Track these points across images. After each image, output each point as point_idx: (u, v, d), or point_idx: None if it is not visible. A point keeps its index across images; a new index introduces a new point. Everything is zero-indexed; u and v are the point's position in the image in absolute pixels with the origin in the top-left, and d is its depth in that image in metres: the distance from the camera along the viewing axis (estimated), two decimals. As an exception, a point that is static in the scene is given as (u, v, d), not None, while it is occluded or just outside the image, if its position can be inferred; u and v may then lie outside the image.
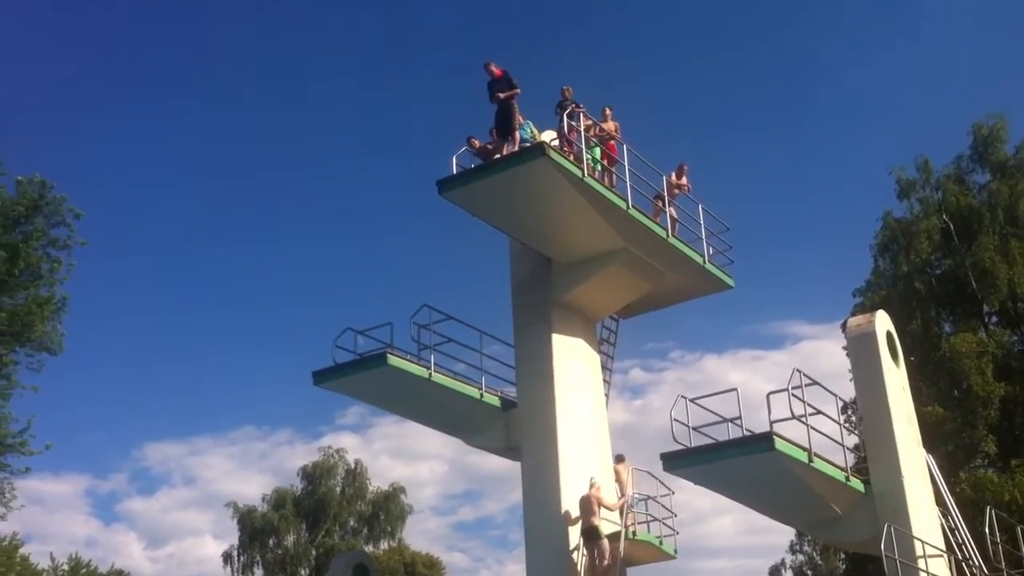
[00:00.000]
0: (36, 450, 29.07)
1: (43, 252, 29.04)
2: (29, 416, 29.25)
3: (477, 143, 19.75)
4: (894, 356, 18.28)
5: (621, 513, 19.12)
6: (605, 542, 18.27)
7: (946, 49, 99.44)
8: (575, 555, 18.57)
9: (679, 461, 16.00)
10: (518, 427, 20.20)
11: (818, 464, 16.18)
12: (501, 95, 19.16)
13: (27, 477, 30.50)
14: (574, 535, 18.54)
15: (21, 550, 48.44)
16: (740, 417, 16.10)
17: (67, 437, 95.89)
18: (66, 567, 54.58)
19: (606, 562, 18.07)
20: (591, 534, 18.23)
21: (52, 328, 29.19)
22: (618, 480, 19.98)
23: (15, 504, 29.68)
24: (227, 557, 59.80)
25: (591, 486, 18.61)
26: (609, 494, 19.26)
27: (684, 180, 21.69)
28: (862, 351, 17.99)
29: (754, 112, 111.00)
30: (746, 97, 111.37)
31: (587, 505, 18.42)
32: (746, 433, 15.87)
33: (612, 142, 20.60)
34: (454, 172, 18.58)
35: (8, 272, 27.79)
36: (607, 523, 18.84)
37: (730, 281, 22.09)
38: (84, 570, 55.34)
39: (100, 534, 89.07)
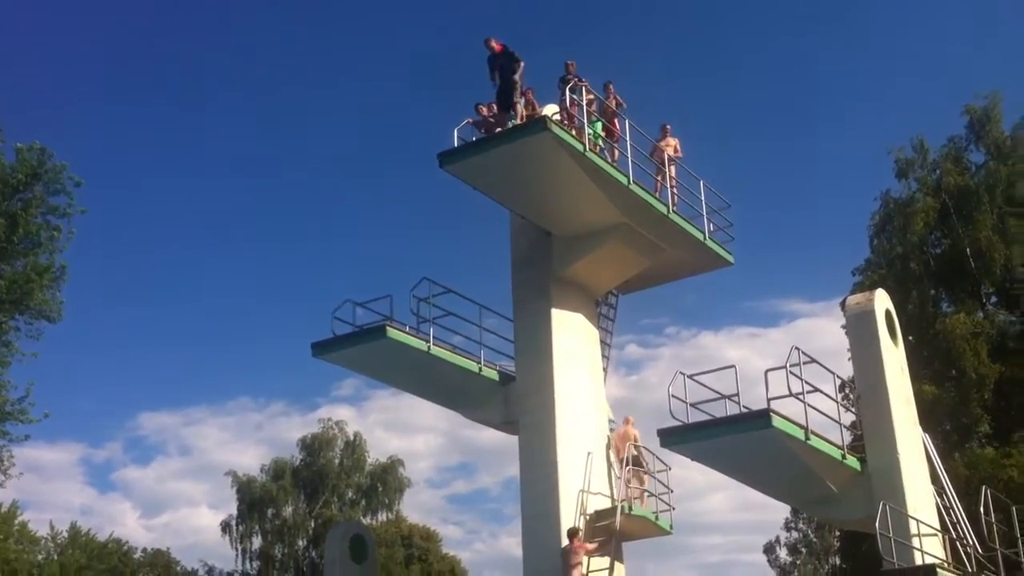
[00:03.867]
0: (35, 418, 29.15)
1: (43, 220, 28.97)
2: (28, 384, 29.33)
3: (484, 110, 19.65)
4: (893, 335, 18.29)
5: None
6: (643, 461, 19.97)
7: (943, 28, 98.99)
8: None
9: (676, 437, 16.04)
10: (516, 401, 20.23)
11: (815, 442, 16.23)
12: (507, 69, 19.04)
13: (24, 445, 30.58)
14: (570, 508, 18.61)
15: (19, 517, 48.73)
16: (738, 394, 16.13)
17: (62, 405, 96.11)
18: (65, 535, 54.88)
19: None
20: (635, 462, 19.80)
21: (51, 296, 29.19)
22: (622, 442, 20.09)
23: (13, 472, 29.77)
24: (225, 526, 60.02)
25: (626, 422, 20.37)
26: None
27: (671, 141, 21.57)
28: (861, 330, 18.00)
29: (755, 93, 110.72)
30: (746, 79, 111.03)
31: (625, 437, 20.02)
32: (743, 410, 15.92)
33: (615, 118, 20.54)
34: (455, 145, 18.54)
35: (7, 240, 27.75)
36: (602, 497, 19.11)
37: (730, 258, 22.05)
38: (83, 538, 55.64)
39: (95, 503, 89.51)
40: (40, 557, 51.56)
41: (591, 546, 18.21)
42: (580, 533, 18.20)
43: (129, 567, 58.82)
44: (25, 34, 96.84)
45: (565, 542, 17.96)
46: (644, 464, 20.06)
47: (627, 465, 19.68)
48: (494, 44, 19.20)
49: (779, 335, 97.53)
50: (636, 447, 20.02)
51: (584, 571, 17.79)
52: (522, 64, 19.09)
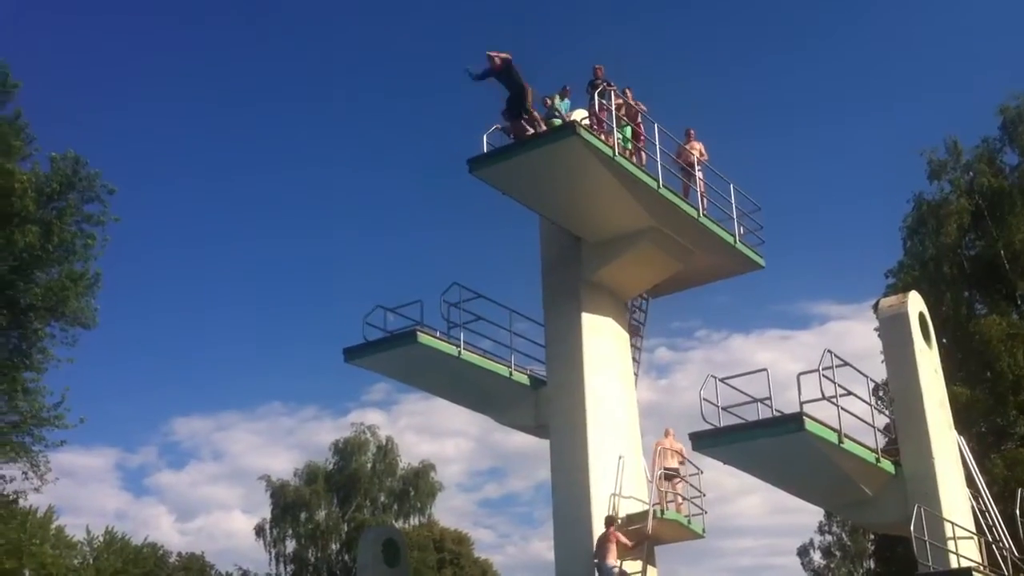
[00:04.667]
0: (70, 424, 29.41)
1: (77, 228, 29.28)
2: (63, 390, 29.60)
3: None
4: (926, 337, 18.17)
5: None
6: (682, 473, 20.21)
7: (978, 25, 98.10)
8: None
9: (709, 441, 16.04)
10: (547, 405, 20.24)
11: (848, 445, 16.16)
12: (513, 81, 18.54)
13: (59, 450, 30.83)
14: (602, 512, 18.59)
15: (56, 522, 49.22)
16: (770, 397, 16.10)
17: (96, 410, 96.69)
18: (101, 539, 55.37)
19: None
20: (672, 473, 20.16)
21: (86, 303, 29.48)
22: (658, 456, 20.03)
23: (49, 477, 29.98)
24: (259, 530, 60.35)
25: (666, 434, 20.39)
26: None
27: (697, 145, 21.50)
28: (894, 332, 17.91)
29: (782, 95, 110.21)
30: (772, 79, 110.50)
31: (664, 455, 20.04)
32: (776, 414, 15.87)
33: (640, 121, 20.52)
34: (484, 151, 18.60)
35: (42, 247, 28.05)
36: (635, 501, 19.11)
37: (761, 261, 21.96)
38: (119, 543, 56.12)
39: (130, 507, 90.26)
40: (76, 561, 52.01)
41: (626, 540, 18.20)
42: (617, 521, 18.25)
43: (164, 571, 59.30)
44: (49, 40, 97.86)
45: (601, 530, 18.05)
46: (682, 474, 20.22)
47: (659, 470, 19.68)
48: (496, 60, 18.52)
49: (810, 338, 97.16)
50: (677, 457, 20.16)
51: (616, 558, 17.80)
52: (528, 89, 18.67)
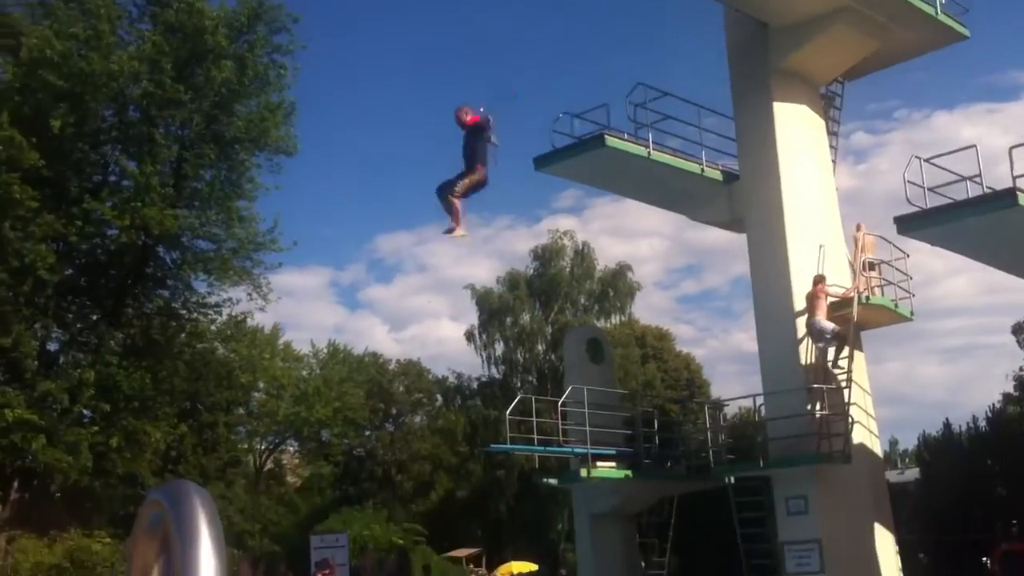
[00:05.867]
0: (284, 247, 31.20)
1: (268, 59, 30.21)
2: (275, 215, 31.26)
3: None
4: None
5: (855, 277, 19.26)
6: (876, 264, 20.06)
7: None
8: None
9: (916, 223, 15.57)
10: (742, 199, 20.02)
11: (1067, 217, 15.38)
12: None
13: (277, 272, 32.70)
14: (804, 301, 18.56)
15: (282, 338, 52.82)
16: (979, 174, 15.37)
17: (306, 233, 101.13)
18: (325, 351, 59.14)
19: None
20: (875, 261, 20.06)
21: (285, 132, 30.67)
22: (857, 247, 19.68)
23: (271, 297, 32.01)
24: (469, 336, 62.90)
25: (857, 228, 19.93)
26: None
27: None
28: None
29: None
30: None
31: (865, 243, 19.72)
32: (987, 191, 15.20)
33: None
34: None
35: (238, 81, 29.12)
36: (837, 288, 18.97)
37: (965, 31, 20.52)
38: (341, 354, 59.85)
39: (347, 321, 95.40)
40: (305, 373, 55.95)
41: (835, 294, 18.53)
42: (824, 280, 18.45)
43: (385, 377, 63.07)
44: None
45: (808, 288, 18.43)
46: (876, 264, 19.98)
47: (862, 257, 19.35)
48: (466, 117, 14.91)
49: (1021, 108, 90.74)
50: (867, 243, 19.74)
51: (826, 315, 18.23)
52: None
